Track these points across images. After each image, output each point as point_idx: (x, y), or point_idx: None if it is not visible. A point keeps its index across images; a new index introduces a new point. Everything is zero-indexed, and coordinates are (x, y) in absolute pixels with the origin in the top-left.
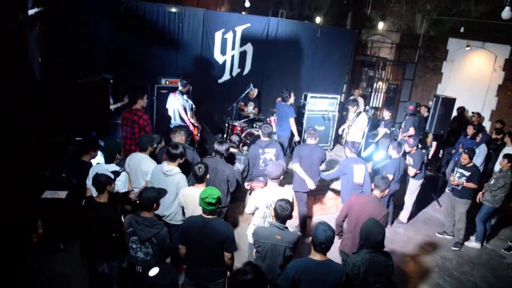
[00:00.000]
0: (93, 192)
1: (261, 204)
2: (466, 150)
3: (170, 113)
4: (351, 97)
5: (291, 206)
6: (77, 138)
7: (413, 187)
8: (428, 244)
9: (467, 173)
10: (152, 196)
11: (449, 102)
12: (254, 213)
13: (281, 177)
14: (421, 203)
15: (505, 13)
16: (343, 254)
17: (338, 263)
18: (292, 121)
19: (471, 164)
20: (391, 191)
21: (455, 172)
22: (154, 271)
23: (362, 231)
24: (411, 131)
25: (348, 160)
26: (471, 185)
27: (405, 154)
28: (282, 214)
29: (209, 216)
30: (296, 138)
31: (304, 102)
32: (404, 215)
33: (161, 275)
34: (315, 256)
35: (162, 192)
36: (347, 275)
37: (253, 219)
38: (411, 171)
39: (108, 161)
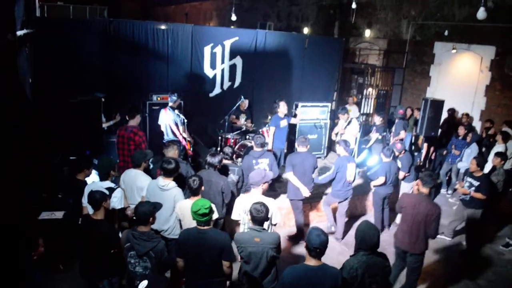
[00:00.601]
0: (89, 210)
1: (241, 210)
2: (475, 157)
3: (163, 128)
4: (341, 106)
5: (266, 209)
6: (71, 158)
7: (405, 190)
8: None
9: (476, 183)
10: (148, 210)
11: (438, 104)
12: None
13: (262, 185)
14: None
15: (480, 14)
16: (399, 250)
17: (334, 267)
18: (270, 130)
19: (480, 173)
20: (385, 194)
21: (464, 181)
22: (143, 284)
23: (357, 234)
24: (402, 134)
25: (342, 159)
26: (479, 195)
27: (395, 157)
28: (258, 217)
29: (205, 227)
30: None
31: (295, 112)
32: (400, 218)
33: (150, 287)
34: (310, 261)
35: (157, 206)
36: (343, 278)
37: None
38: (401, 174)
39: (102, 178)
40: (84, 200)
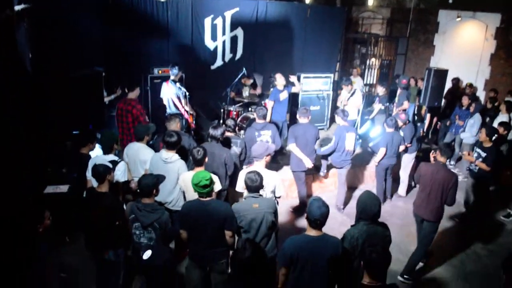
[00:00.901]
0: (94, 183)
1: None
2: (485, 127)
3: (165, 102)
4: (346, 77)
5: (260, 177)
6: (74, 132)
7: (407, 161)
8: None
9: (483, 154)
10: (151, 182)
11: (441, 74)
12: None
13: (266, 158)
14: None
15: None
16: (418, 217)
17: (334, 237)
18: (269, 103)
19: (489, 144)
20: (388, 165)
21: (474, 151)
22: (147, 254)
23: (358, 204)
24: (406, 104)
25: (341, 129)
26: (483, 166)
27: (398, 128)
28: (252, 186)
29: (207, 198)
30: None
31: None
32: (402, 188)
33: (154, 257)
34: (311, 232)
35: (160, 178)
36: (343, 247)
37: None
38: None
39: (106, 152)
40: (88, 174)
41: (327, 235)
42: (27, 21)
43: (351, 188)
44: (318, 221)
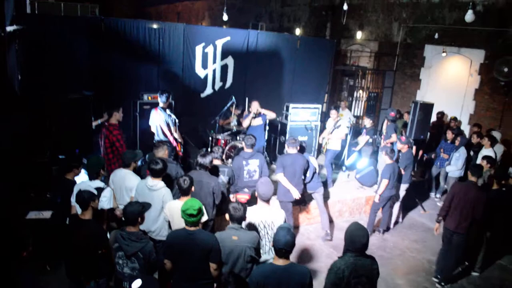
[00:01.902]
0: (78, 209)
1: (256, 223)
2: (496, 169)
3: (153, 129)
4: (334, 105)
5: (244, 207)
6: (60, 157)
7: (400, 192)
8: (415, 249)
9: None
10: (137, 210)
11: (427, 107)
12: None
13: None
14: (405, 208)
15: (468, 16)
16: (448, 231)
17: (303, 266)
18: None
19: (496, 187)
20: (389, 196)
21: None
22: (137, 283)
23: (345, 235)
24: (394, 137)
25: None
26: None
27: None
28: (235, 215)
29: (192, 228)
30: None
31: (286, 113)
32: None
33: (142, 287)
34: (278, 261)
35: (146, 206)
36: (310, 277)
37: None
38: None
39: (92, 177)
40: (73, 199)
41: (295, 264)
42: (18, 43)
43: (338, 220)
44: (283, 250)
